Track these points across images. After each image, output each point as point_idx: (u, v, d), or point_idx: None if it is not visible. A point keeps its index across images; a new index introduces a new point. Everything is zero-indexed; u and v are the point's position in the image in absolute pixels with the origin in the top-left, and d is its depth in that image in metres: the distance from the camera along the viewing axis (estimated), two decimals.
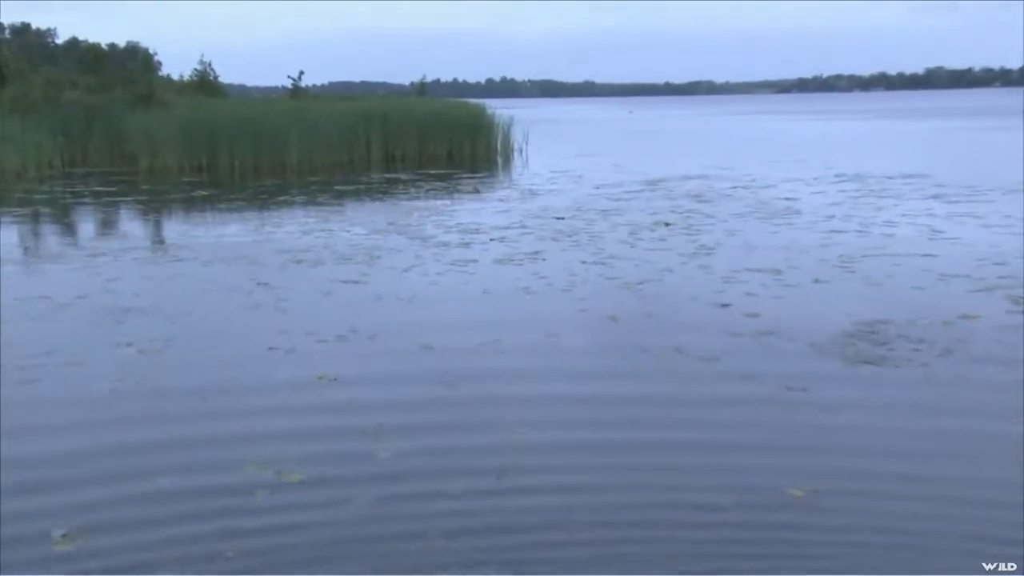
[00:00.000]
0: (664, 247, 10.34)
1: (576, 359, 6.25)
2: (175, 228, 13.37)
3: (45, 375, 5.98)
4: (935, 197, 14.37)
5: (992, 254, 9.50)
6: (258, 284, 8.78)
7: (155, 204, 16.44)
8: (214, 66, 30.56)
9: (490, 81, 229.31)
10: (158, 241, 12.07)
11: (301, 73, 30.22)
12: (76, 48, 38.13)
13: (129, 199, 17.00)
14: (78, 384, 5.80)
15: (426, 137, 25.37)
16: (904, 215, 12.54)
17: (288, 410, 5.28)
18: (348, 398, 5.46)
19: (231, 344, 6.72)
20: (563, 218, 12.84)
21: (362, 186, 18.62)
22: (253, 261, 10.02)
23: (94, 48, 36.24)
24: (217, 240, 11.67)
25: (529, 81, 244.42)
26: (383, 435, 4.83)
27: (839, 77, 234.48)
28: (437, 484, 4.25)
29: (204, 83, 29.94)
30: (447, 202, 15.49)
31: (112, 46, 40.16)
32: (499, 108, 29.69)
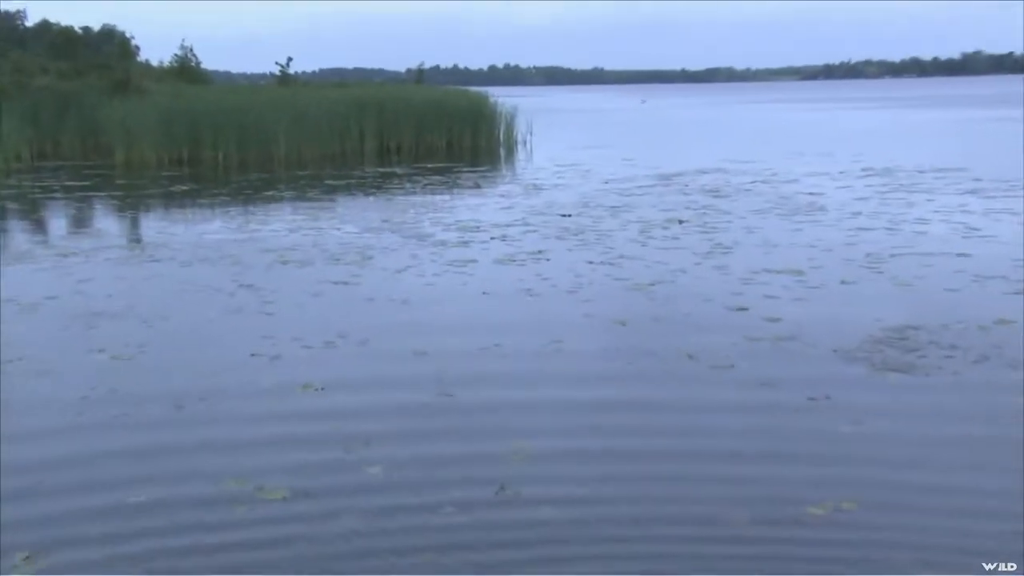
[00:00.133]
0: (677, 246, 10.35)
1: (581, 366, 6.25)
2: (152, 225, 13.40)
3: (10, 383, 5.99)
4: (971, 192, 14.36)
5: None
6: (241, 286, 8.79)
7: (131, 200, 16.48)
8: (196, 51, 30.76)
9: (493, 68, 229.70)
10: (134, 239, 12.09)
11: (290, 59, 30.36)
12: (47, 31, 38.17)
13: (103, 194, 17.02)
14: (46, 393, 5.81)
15: (424, 128, 25.40)
16: (937, 211, 12.53)
17: (271, 421, 5.29)
18: (336, 408, 5.47)
19: (211, 350, 6.73)
20: (569, 215, 12.85)
21: (354, 180, 18.63)
22: (236, 261, 10.03)
23: (67, 31, 36.33)
24: (198, 239, 11.69)
25: (534, 68, 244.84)
26: (373, 448, 4.84)
27: (868, 63, 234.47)
28: (431, 497, 4.26)
29: (185, 69, 30.02)
30: (445, 197, 15.50)
31: (86, 29, 40.20)
32: (502, 97, 29.73)
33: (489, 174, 19.88)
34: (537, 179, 17.92)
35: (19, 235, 12.74)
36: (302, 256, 10.24)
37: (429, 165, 21.33)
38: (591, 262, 9.54)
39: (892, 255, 9.59)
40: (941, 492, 4.28)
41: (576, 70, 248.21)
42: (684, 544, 3.83)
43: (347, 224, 12.58)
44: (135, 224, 13.89)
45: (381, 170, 20.64)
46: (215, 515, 4.13)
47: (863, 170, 18.07)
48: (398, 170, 20.51)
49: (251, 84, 38.40)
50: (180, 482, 4.49)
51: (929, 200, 13.65)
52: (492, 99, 27.82)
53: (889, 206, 13.11)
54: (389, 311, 7.80)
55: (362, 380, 6.02)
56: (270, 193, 16.75)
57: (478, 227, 12.00)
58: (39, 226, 13.66)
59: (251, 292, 8.51)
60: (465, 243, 10.86)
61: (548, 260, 9.74)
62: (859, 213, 12.51)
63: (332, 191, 16.95)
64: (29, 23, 43.47)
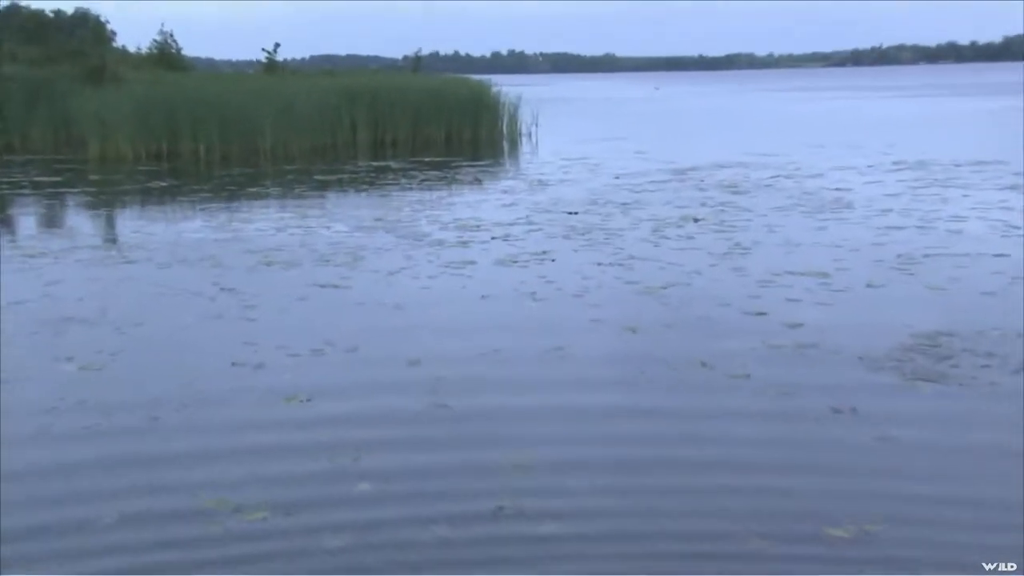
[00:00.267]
0: (692, 246, 10.35)
1: (587, 375, 6.24)
2: (128, 224, 13.42)
3: None
4: (1011, 188, 14.34)
5: None
6: (222, 289, 8.80)
7: (105, 196, 16.50)
8: (177, 37, 30.79)
9: (496, 55, 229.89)
10: (108, 239, 12.11)
11: (277, 45, 30.39)
12: (16, 15, 38.21)
13: (76, 190, 17.06)
14: (8, 404, 5.80)
15: (421, 119, 25.42)
16: (974, 208, 12.52)
17: (253, 436, 5.28)
18: (323, 421, 5.46)
19: (188, 359, 6.73)
20: (576, 213, 12.85)
21: (346, 175, 18.65)
22: (217, 263, 10.04)
23: (37, 15, 36.46)
24: (176, 238, 11.70)
25: (540, 55, 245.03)
26: (363, 464, 4.83)
27: (901, 48, 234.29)
28: (425, 510, 4.28)
29: (165, 56, 30.11)
30: (443, 194, 15.52)
31: (58, 13, 40.25)
32: (506, 85, 29.75)
33: (490, 169, 19.90)
34: (542, 174, 17.93)
35: None
36: (288, 257, 10.25)
37: (426, 159, 21.35)
38: (599, 264, 9.54)
39: (924, 256, 9.58)
40: (974, 510, 4.25)
41: (585, 57, 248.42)
42: (694, 561, 3.84)
43: (337, 223, 12.59)
44: (109, 223, 13.91)
45: (374, 164, 20.66)
46: (189, 534, 4.12)
47: (894, 163, 18.06)
48: (393, 164, 20.53)
49: (236, 72, 38.50)
50: (152, 498, 4.48)
51: (965, 196, 13.64)
52: (495, 88, 27.83)
53: (922, 202, 13.10)
54: (381, 316, 7.80)
55: (351, 392, 6.02)
56: (255, 189, 16.78)
57: (478, 226, 12.00)
58: (6, 225, 13.68)
59: (233, 296, 8.51)
60: (464, 243, 10.87)
61: (553, 261, 9.74)
62: (889, 210, 12.49)
63: (322, 187, 16.97)
64: None
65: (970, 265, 9.14)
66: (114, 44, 33.65)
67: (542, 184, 16.30)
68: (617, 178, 16.78)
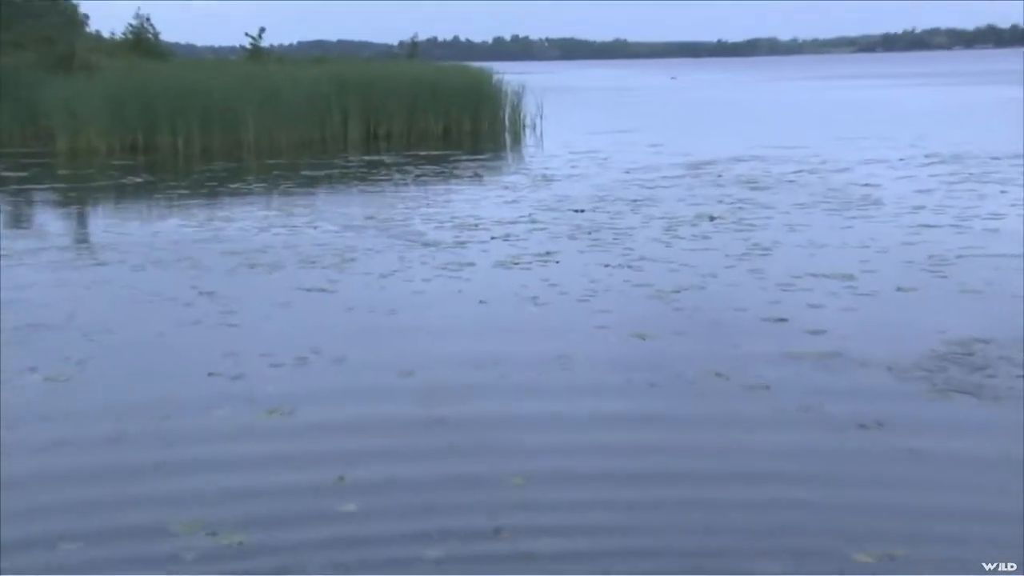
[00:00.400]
0: (708, 247, 10.35)
1: (593, 385, 6.24)
2: (100, 223, 13.44)
3: None
4: None
5: None
6: (200, 293, 8.80)
7: (76, 193, 16.52)
8: (154, 21, 30.85)
9: (499, 40, 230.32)
10: (78, 240, 12.13)
11: (262, 30, 30.37)
12: None
13: (44, 187, 17.09)
14: None
15: (417, 110, 25.43)
16: (1013, 205, 12.53)
17: (230, 452, 5.28)
18: (306, 436, 5.46)
19: (162, 368, 6.73)
20: (583, 210, 12.86)
21: (335, 171, 18.69)
22: (195, 265, 10.05)
23: None
24: (152, 238, 11.71)
25: (546, 40, 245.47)
26: (349, 483, 4.82)
27: (935, 32, 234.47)
28: (417, 526, 4.29)
29: (141, 42, 30.14)
30: (440, 190, 15.54)
31: None
32: (509, 73, 29.77)
33: (491, 163, 19.91)
34: (547, 169, 17.95)
35: None
36: (272, 259, 10.25)
37: (422, 153, 21.37)
38: (607, 265, 9.54)
39: (959, 256, 9.57)
40: (1011, 526, 4.24)
41: (595, 42, 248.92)
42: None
43: (325, 221, 12.60)
44: (79, 221, 13.93)
45: (366, 159, 20.69)
46: (160, 561, 4.12)
47: (927, 157, 18.06)
48: (386, 159, 20.55)
49: (217, 59, 38.50)
50: (119, 518, 4.48)
51: (1004, 192, 13.63)
52: (497, 76, 27.85)
53: (957, 199, 13.08)
54: (371, 322, 7.80)
55: (338, 405, 6.01)
56: (237, 185, 16.79)
57: (477, 225, 12.01)
58: None
59: (212, 300, 8.52)
60: (462, 243, 10.87)
61: (557, 263, 9.74)
62: (921, 207, 12.49)
63: (309, 183, 16.99)
64: None
65: (1008, 267, 9.12)
66: (87, 29, 33.70)
67: (546, 180, 16.31)
68: (628, 173, 16.79)
